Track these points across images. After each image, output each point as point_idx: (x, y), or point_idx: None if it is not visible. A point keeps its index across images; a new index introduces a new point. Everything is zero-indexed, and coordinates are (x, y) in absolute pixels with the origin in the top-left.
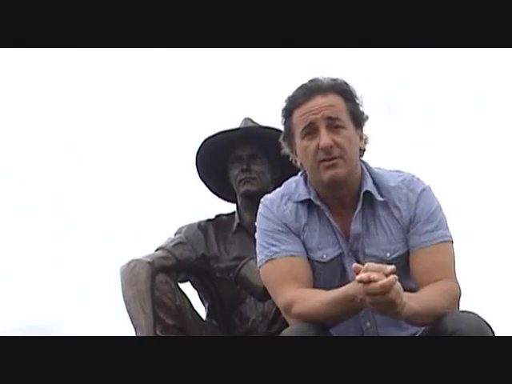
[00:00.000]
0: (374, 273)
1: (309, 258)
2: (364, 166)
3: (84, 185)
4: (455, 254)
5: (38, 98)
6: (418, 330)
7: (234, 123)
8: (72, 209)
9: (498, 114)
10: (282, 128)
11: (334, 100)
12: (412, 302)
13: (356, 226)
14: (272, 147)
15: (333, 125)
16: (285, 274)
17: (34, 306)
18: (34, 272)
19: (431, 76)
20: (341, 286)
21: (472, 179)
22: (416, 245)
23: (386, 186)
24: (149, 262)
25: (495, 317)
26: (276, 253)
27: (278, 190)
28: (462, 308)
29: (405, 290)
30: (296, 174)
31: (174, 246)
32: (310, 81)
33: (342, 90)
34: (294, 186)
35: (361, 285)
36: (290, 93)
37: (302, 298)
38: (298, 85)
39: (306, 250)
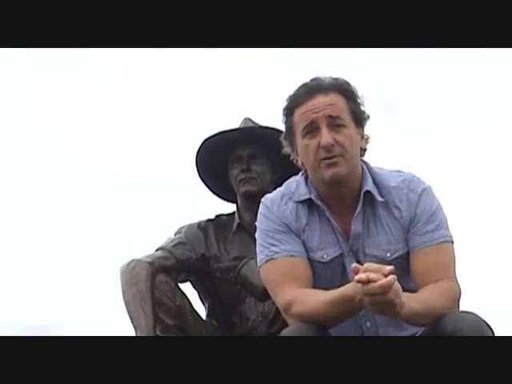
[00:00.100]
0: (373, 273)
1: (309, 258)
2: (365, 166)
3: (84, 185)
4: (455, 254)
5: (38, 97)
6: (418, 330)
7: (234, 123)
8: (72, 209)
9: (498, 113)
10: (282, 127)
11: (335, 99)
12: (411, 302)
13: (356, 226)
14: (272, 147)
15: (334, 123)
16: (285, 274)
17: (33, 305)
18: (34, 272)
19: (431, 76)
20: (341, 286)
21: (472, 179)
22: (416, 245)
23: (386, 186)
24: (149, 262)
25: (495, 317)
26: (276, 253)
27: (278, 189)
28: (461, 308)
29: (405, 290)
30: (296, 174)
31: (174, 246)
32: (312, 80)
33: (344, 89)
34: (295, 185)
35: (360, 285)
36: (290, 92)
37: (302, 298)
38: (299, 84)
39: (307, 250)
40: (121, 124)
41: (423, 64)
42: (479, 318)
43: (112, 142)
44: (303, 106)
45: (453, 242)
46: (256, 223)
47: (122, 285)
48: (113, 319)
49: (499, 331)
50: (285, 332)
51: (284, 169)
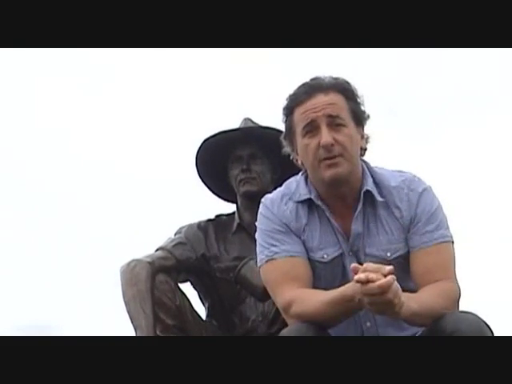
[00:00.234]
0: (372, 273)
1: (309, 258)
2: (365, 166)
3: (84, 185)
4: (455, 254)
5: (38, 98)
6: (418, 331)
7: (234, 123)
8: (72, 209)
9: (498, 113)
10: (282, 127)
11: (335, 98)
12: (411, 302)
13: (356, 226)
14: (272, 147)
15: (334, 123)
16: (284, 274)
17: (33, 305)
18: (34, 272)
19: (431, 76)
20: (341, 285)
21: (472, 179)
22: (416, 245)
23: (386, 186)
24: (149, 262)
25: (495, 317)
26: (276, 253)
27: (278, 189)
28: (461, 308)
29: (405, 290)
30: (296, 174)
31: (174, 246)
32: (312, 79)
33: (344, 89)
34: (295, 185)
35: (359, 285)
36: (290, 92)
37: (301, 298)
38: (300, 83)
39: (307, 250)
40: (121, 124)
41: (423, 64)
42: (479, 318)
43: (112, 142)
44: (303, 106)
45: (453, 242)
46: (256, 223)
47: (122, 285)
48: (113, 319)
49: (499, 331)
50: (284, 332)
51: (284, 169)
